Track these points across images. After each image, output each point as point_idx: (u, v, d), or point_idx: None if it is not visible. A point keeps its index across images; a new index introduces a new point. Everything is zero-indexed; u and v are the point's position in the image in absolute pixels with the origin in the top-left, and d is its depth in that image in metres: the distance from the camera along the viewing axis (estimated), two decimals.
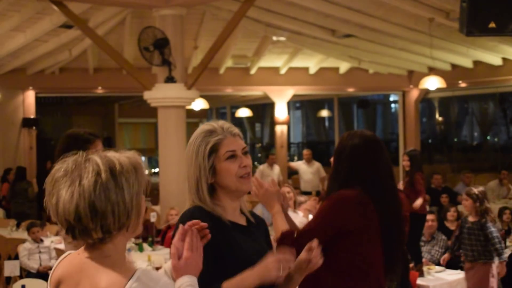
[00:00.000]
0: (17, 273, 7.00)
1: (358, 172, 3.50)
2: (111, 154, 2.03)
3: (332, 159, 3.65)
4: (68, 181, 1.97)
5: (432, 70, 15.90)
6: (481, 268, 7.13)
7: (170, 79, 10.81)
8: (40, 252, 9.22)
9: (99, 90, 17.49)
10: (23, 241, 9.64)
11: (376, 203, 3.43)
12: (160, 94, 10.96)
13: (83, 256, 2.03)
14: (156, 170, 25.74)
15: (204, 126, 2.81)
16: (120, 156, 2.03)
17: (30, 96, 16.94)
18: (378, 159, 3.56)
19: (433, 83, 13.24)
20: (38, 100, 17.34)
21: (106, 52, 11.78)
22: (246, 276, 2.54)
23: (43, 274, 8.55)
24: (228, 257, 2.62)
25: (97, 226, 1.95)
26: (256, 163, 21.49)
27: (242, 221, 2.83)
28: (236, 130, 2.82)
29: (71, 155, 2.04)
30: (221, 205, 2.76)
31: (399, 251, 3.63)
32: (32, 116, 16.95)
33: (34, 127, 16.96)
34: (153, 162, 26.91)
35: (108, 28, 13.44)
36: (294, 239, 3.33)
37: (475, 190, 7.27)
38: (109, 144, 21.84)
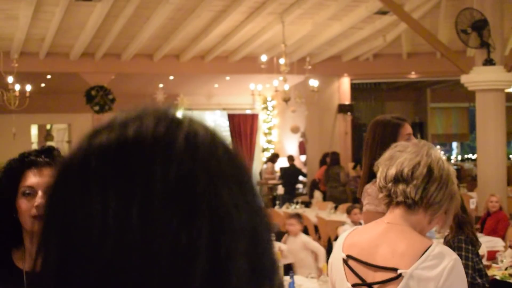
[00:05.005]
0: None
1: None
2: (442, 158, 2.34)
3: None
4: (408, 154, 2.30)
5: None
6: None
7: (489, 62, 10.41)
8: None
9: (412, 75, 17.46)
10: (341, 223, 9.93)
11: None
12: (478, 77, 10.60)
13: (386, 225, 2.31)
14: (469, 155, 25.07)
15: None
16: (447, 163, 2.34)
17: (345, 83, 17.45)
18: None
19: None
20: (352, 86, 17.79)
21: (422, 36, 11.69)
22: None
23: None
24: None
25: (420, 187, 2.25)
26: None
27: None
28: None
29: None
30: None
31: None
32: (347, 102, 17.44)
33: (349, 113, 17.44)
34: (465, 147, 26.23)
35: (423, 12, 13.33)
36: None
37: None
38: (421, 129, 21.73)
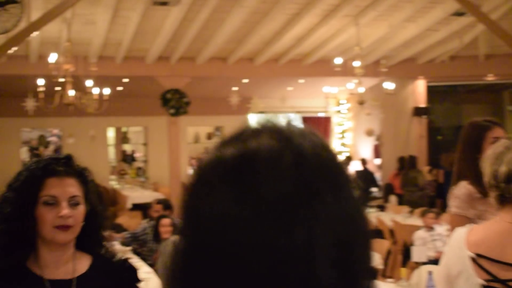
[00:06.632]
0: (424, 259, 7.18)
1: None
2: None
3: None
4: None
5: None
6: None
7: None
8: (434, 240, 9.28)
9: (490, 78, 17.07)
10: (416, 227, 9.79)
11: None
12: None
13: (509, 224, 2.39)
14: None
15: None
16: None
17: (420, 85, 17.19)
18: None
19: None
20: (428, 89, 17.51)
21: (500, 37, 11.43)
22: None
23: (436, 261, 8.57)
24: None
25: None
26: None
27: None
28: None
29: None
30: None
31: None
32: (422, 105, 17.18)
33: (424, 116, 17.16)
34: None
35: (502, 13, 13.01)
36: None
37: None
38: None
